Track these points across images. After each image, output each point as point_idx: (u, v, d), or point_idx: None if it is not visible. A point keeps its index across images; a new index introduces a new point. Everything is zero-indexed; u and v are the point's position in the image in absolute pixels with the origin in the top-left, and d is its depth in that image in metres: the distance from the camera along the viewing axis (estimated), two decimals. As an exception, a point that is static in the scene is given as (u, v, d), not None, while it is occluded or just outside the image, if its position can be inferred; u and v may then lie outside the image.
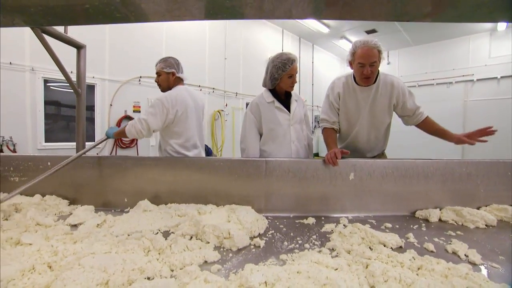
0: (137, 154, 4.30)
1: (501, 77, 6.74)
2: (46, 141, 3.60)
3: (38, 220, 1.25)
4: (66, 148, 3.76)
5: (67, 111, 4.06)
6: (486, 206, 1.52)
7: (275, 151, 1.78)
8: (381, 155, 1.95)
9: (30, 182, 1.29)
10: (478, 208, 1.49)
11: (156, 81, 2.02)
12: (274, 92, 1.82)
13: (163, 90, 2.00)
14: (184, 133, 1.92)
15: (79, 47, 1.76)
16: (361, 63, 1.58)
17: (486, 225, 1.35)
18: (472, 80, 7.09)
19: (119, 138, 4.29)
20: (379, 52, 1.58)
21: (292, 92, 1.86)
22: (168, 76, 1.96)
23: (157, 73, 1.99)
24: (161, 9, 0.85)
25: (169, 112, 1.82)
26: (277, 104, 1.79)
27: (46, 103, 3.66)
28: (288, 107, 1.81)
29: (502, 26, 6.67)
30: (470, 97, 7.14)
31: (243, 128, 1.89)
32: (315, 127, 8.89)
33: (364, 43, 1.57)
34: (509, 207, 1.45)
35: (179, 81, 2.01)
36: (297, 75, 1.79)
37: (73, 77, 1.83)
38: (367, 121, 1.75)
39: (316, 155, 8.14)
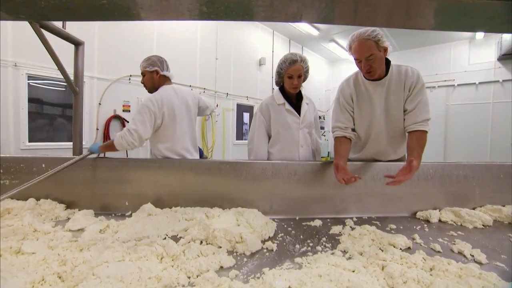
0: (126, 156, 4.16)
1: (479, 83, 7.12)
2: (30, 141, 3.41)
3: (35, 226, 1.17)
4: (51, 148, 3.58)
5: (51, 109, 3.87)
6: (481, 206, 1.59)
7: (282, 154, 1.77)
8: (404, 157, 1.73)
9: (24, 185, 1.22)
10: (473, 209, 1.56)
11: (142, 82, 1.90)
12: (285, 93, 1.80)
13: (150, 91, 1.88)
14: (171, 136, 1.79)
15: (77, 43, 1.67)
16: (356, 58, 1.44)
17: (483, 225, 1.41)
18: (453, 85, 7.45)
19: (109, 139, 4.14)
20: (377, 42, 1.38)
21: (304, 95, 1.85)
22: (152, 75, 1.83)
23: (141, 73, 1.88)
24: (182, 7, 0.82)
25: (156, 116, 1.70)
26: (288, 106, 1.78)
27: (29, 100, 3.46)
28: (298, 110, 1.80)
29: (480, 35, 7.04)
30: (452, 101, 7.49)
31: (252, 129, 1.86)
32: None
33: (358, 36, 1.40)
34: (503, 207, 1.53)
35: (165, 80, 1.88)
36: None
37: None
38: (384, 120, 1.57)
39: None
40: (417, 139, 1.41)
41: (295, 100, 1.83)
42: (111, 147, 1.64)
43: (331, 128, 1.68)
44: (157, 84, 1.85)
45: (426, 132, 1.44)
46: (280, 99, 1.79)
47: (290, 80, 1.72)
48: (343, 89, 1.63)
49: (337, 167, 1.41)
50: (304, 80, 1.78)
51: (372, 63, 1.41)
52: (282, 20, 0.85)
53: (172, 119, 1.78)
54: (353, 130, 1.63)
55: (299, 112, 1.80)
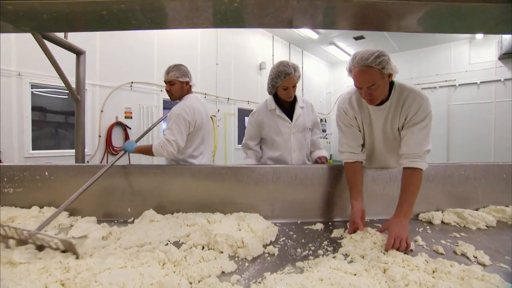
0: (129, 162, 4.18)
1: (481, 82, 7.10)
2: (33, 149, 3.45)
3: (39, 234, 1.18)
4: (55, 156, 3.61)
5: (54, 117, 3.92)
6: (484, 207, 1.58)
7: (275, 159, 1.80)
8: None
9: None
10: (476, 210, 1.55)
11: (167, 90, 1.93)
12: (278, 98, 1.82)
13: (174, 99, 1.95)
14: (195, 143, 1.89)
15: (79, 53, 1.71)
16: (357, 86, 1.29)
17: (486, 226, 1.40)
18: (454, 85, 7.43)
19: (111, 145, 4.18)
20: (380, 70, 1.19)
21: (299, 98, 1.85)
22: (182, 85, 1.90)
23: (170, 81, 1.88)
24: (179, 16, 0.84)
25: (190, 125, 1.79)
26: (279, 112, 1.79)
27: (33, 109, 3.52)
28: (291, 115, 1.81)
29: (479, 35, 7.05)
30: (453, 101, 7.47)
31: (246, 134, 1.91)
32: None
33: (359, 61, 1.21)
34: (506, 208, 1.52)
35: (190, 89, 1.98)
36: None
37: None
38: (382, 144, 1.48)
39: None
40: (406, 182, 1.26)
41: (288, 104, 1.83)
42: (147, 152, 1.73)
43: (338, 152, 1.54)
44: (184, 94, 1.93)
45: (419, 170, 1.27)
46: (272, 104, 1.80)
47: (285, 91, 1.72)
48: (341, 112, 1.49)
49: (356, 216, 1.25)
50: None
51: (374, 92, 1.25)
52: (277, 27, 0.86)
53: (200, 127, 1.87)
54: (363, 145, 1.49)
55: (291, 117, 1.80)
